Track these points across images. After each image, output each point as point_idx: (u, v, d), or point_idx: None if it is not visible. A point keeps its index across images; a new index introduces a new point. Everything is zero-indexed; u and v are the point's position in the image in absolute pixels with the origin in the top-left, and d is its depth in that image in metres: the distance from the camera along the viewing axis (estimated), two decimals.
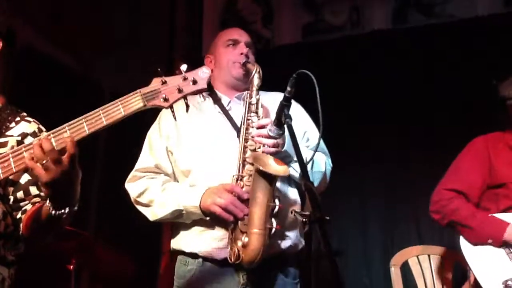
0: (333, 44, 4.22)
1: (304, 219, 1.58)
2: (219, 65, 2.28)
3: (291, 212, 1.93)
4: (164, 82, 1.48)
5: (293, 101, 2.23)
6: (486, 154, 2.49)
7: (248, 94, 2.10)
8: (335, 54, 4.13)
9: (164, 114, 2.21)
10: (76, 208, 1.48)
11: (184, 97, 1.49)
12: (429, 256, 2.84)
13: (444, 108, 3.70)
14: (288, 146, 2.02)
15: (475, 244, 2.35)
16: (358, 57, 4.05)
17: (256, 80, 2.10)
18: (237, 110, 2.19)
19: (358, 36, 4.18)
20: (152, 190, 2.09)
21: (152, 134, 2.21)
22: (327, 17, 4.27)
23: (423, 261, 2.83)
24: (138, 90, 1.46)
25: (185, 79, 1.49)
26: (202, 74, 1.52)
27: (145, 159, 2.18)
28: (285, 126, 1.87)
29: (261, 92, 2.15)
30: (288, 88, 1.84)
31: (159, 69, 1.48)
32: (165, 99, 1.46)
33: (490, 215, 2.40)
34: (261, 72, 2.13)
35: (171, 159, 2.14)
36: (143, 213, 2.13)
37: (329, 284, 1.53)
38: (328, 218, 1.54)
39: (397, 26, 4.09)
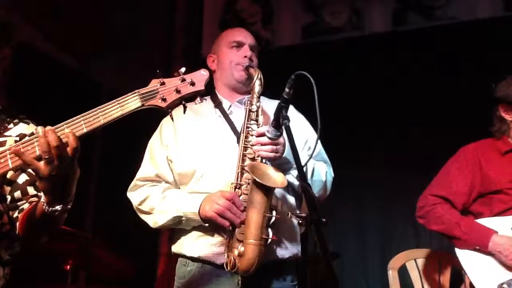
0: (333, 46, 4.22)
1: (300, 221, 1.57)
2: (221, 66, 2.24)
3: (288, 214, 1.92)
4: (162, 83, 1.48)
5: (295, 110, 2.23)
6: (476, 163, 2.43)
7: (249, 101, 2.06)
8: (335, 55, 4.13)
9: (165, 123, 2.19)
10: (69, 206, 1.48)
11: (182, 98, 1.49)
12: (426, 259, 2.83)
13: (444, 111, 3.70)
14: (287, 153, 1.98)
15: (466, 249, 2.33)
16: (357, 59, 4.05)
17: (257, 87, 2.05)
18: (238, 114, 2.16)
19: (358, 38, 4.18)
20: (153, 198, 2.07)
21: (153, 143, 2.19)
22: (327, 18, 4.28)
23: (420, 265, 2.82)
24: (136, 90, 1.46)
25: (183, 80, 1.50)
26: (201, 76, 1.52)
27: (146, 168, 2.16)
28: (283, 127, 1.83)
29: (265, 99, 2.11)
30: (286, 90, 1.81)
31: (158, 71, 1.49)
32: (163, 99, 1.47)
33: (476, 221, 2.36)
34: (262, 78, 2.08)
35: (172, 167, 2.12)
36: (145, 220, 2.11)
37: (325, 286, 1.51)
38: (325, 220, 1.51)
39: (397, 28, 4.10)
